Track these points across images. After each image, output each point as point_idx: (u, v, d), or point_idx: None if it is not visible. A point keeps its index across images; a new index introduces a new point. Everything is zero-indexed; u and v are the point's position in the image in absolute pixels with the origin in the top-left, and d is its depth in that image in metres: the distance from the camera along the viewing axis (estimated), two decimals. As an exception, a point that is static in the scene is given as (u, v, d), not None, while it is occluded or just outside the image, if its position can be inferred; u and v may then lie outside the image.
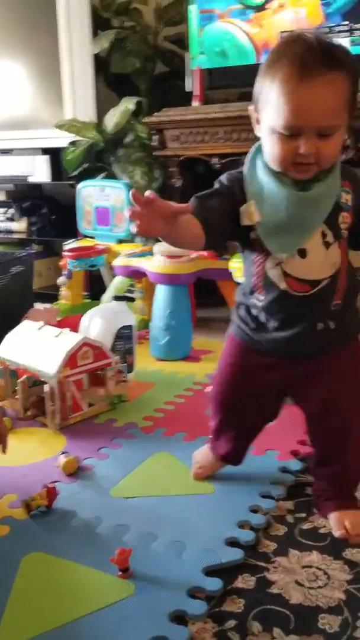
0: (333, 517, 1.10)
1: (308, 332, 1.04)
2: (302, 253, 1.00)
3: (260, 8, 2.22)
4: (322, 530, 1.10)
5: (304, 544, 1.06)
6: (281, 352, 1.08)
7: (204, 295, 2.34)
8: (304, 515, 1.14)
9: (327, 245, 1.00)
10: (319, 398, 1.09)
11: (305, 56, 0.90)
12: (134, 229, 0.93)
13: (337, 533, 1.08)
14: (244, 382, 1.15)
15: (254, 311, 1.08)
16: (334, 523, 1.10)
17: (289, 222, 0.98)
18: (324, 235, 1.00)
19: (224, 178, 1.04)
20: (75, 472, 1.31)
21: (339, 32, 2.06)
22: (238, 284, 1.98)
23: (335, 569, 1.00)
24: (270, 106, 0.94)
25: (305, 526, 1.11)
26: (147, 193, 0.90)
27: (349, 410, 1.09)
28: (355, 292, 1.09)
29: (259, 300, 1.05)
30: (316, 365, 1.08)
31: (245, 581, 0.98)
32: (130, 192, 0.92)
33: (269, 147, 0.96)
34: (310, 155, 0.92)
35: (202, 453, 1.29)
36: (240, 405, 1.18)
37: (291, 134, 0.92)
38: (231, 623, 0.90)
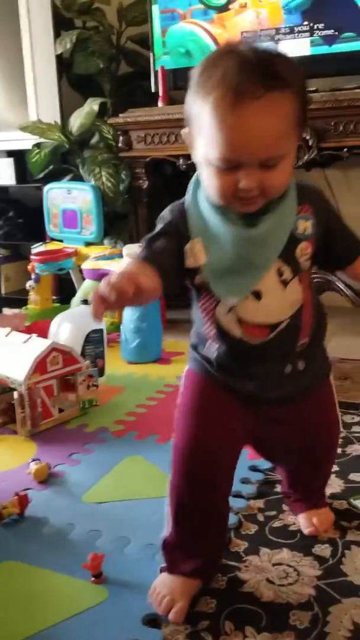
0: (302, 516, 1.12)
1: (275, 378, 0.94)
2: (257, 295, 0.87)
3: (222, 9, 2.23)
4: (292, 528, 1.12)
5: (275, 542, 1.08)
6: (250, 396, 0.95)
7: (173, 297, 2.35)
8: (274, 513, 1.16)
9: (284, 283, 0.88)
10: (290, 446, 1.04)
11: (239, 75, 0.75)
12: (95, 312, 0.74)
13: (306, 531, 1.09)
14: (215, 430, 0.94)
15: (211, 358, 0.94)
16: (303, 522, 1.11)
17: (237, 263, 0.86)
18: (280, 272, 0.87)
19: (166, 213, 0.91)
20: (47, 479, 1.31)
21: (299, 32, 2.09)
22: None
23: (305, 565, 1.02)
24: (203, 133, 0.80)
25: (276, 524, 1.13)
26: (118, 286, 0.72)
27: (321, 460, 1.09)
28: (323, 326, 0.99)
29: (213, 350, 0.93)
30: (287, 412, 0.97)
31: (217, 581, 0.99)
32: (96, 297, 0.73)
33: (206, 180, 0.83)
34: (252, 190, 0.79)
35: (163, 582, 0.96)
36: (212, 472, 0.95)
37: (228, 167, 0.79)
38: (204, 624, 0.91)
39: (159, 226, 0.90)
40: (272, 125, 0.77)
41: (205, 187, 0.85)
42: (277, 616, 0.91)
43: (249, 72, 0.75)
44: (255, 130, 0.76)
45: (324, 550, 1.05)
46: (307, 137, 1.98)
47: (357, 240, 0.96)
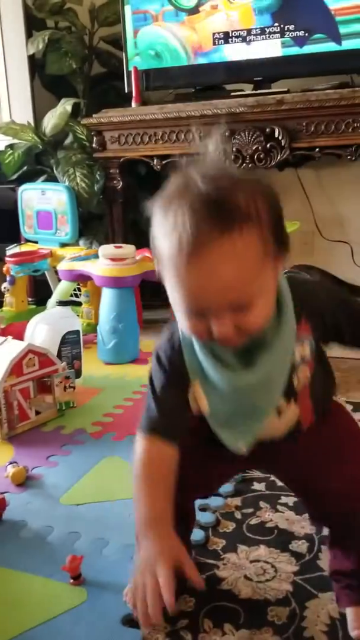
0: (351, 612, 0.90)
1: (264, 449, 0.85)
2: None
3: (193, 11, 2.24)
4: (268, 525, 1.13)
5: (252, 539, 1.09)
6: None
7: (150, 297, 2.36)
8: (251, 510, 1.17)
9: (279, 413, 0.82)
10: (304, 475, 0.88)
11: (192, 219, 0.65)
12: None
13: (353, 633, 0.88)
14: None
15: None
16: (352, 619, 0.89)
17: (239, 409, 0.81)
18: (278, 412, 0.82)
19: (164, 360, 0.82)
20: (24, 481, 1.30)
21: (270, 33, 2.10)
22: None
23: (282, 561, 1.03)
24: (166, 276, 0.72)
25: (253, 521, 1.14)
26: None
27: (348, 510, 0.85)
28: (330, 398, 0.89)
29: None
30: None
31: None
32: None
33: (180, 322, 0.74)
34: (227, 335, 0.70)
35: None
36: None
37: (197, 314, 0.71)
38: (183, 622, 0.91)
39: (159, 376, 0.82)
40: (234, 270, 0.67)
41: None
42: (255, 612, 0.93)
43: (203, 215, 0.65)
44: (215, 279, 0.67)
45: (300, 546, 1.07)
46: (280, 137, 2.01)
47: None
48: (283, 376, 0.79)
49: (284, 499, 1.20)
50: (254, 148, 2.06)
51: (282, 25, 2.08)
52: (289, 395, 0.81)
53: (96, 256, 2.10)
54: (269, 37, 2.11)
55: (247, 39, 2.15)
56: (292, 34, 2.08)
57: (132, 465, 0.82)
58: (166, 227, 0.68)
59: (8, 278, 2.44)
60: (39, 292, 2.62)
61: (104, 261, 2.02)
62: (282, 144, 2.01)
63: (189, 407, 0.82)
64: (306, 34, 2.06)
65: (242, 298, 0.69)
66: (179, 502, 0.82)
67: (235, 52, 2.20)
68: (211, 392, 0.80)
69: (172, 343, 0.80)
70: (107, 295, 2.01)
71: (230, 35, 2.18)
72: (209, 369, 0.78)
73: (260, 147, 2.05)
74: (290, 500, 1.19)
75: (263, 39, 2.12)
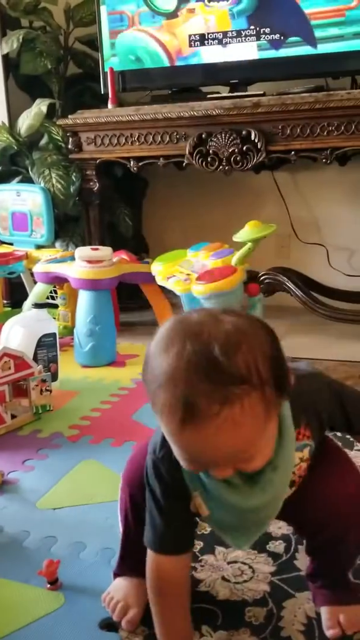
0: (325, 611, 0.90)
1: None
2: None
3: (171, 15, 2.24)
4: (246, 526, 1.13)
5: (230, 540, 1.10)
6: None
7: (127, 299, 2.35)
8: (229, 512, 1.18)
9: None
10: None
11: (188, 387, 0.62)
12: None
13: (328, 632, 0.88)
14: None
15: None
16: (325, 618, 0.90)
17: (239, 522, 0.80)
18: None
19: (163, 472, 0.79)
20: (0, 486, 1.29)
21: (247, 36, 2.12)
22: (161, 287, 2.01)
23: (260, 562, 1.04)
24: (160, 424, 0.68)
25: (231, 523, 1.14)
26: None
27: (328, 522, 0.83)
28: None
29: None
30: None
31: (174, 582, 1.00)
32: None
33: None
34: (228, 476, 0.70)
35: (116, 586, 0.95)
36: None
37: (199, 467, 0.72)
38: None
39: (159, 488, 0.80)
40: (236, 439, 0.64)
41: None
42: (233, 613, 0.93)
43: (201, 384, 0.62)
44: (213, 448, 0.65)
45: (277, 546, 1.07)
46: (256, 140, 2.02)
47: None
48: (285, 490, 0.79)
49: (261, 500, 1.20)
50: (230, 150, 2.07)
51: (258, 29, 2.10)
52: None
53: (72, 258, 2.09)
54: (245, 40, 2.13)
55: (224, 42, 2.16)
56: (268, 37, 2.09)
57: (147, 581, 0.83)
58: (158, 380, 0.64)
59: (-17, 280, 2.42)
60: (15, 295, 2.60)
61: (81, 263, 2.01)
62: (259, 146, 2.02)
63: (193, 514, 0.81)
64: (282, 37, 2.08)
65: (244, 456, 0.68)
66: None
67: (211, 55, 2.20)
68: (211, 504, 0.78)
69: (171, 454, 0.73)
70: (84, 298, 2.00)
71: (207, 37, 2.19)
72: (209, 484, 0.76)
73: (236, 150, 2.06)
74: (268, 501, 1.20)
75: (239, 42, 2.14)
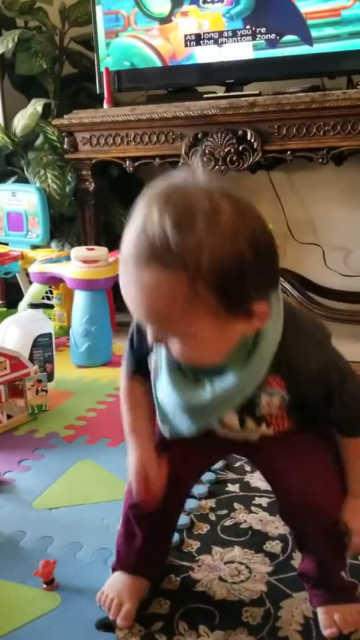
0: (321, 611, 0.90)
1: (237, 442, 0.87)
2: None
3: (165, 20, 2.23)
4: (243, 526, 1.13)
5: (226, 540, 1.09)
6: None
7: (122, 299, 2.34)
8: (225, 512, 1.17)
9: (249, 430, 0.83)
10: (271, 466, 0.89)
11: (135, 240, 0.65)
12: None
13: (325, 632, 0.88)
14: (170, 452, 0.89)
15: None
16: (323, 619, 0.90)
17: (177, 412, 0.81)
18: (240, 420, 0.81)
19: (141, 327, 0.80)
20: (-4, 486, 1.28)
21: (242, 36, 2.11)
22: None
23: (257, 562, 1.03)
24: None
25: (227, 522, 1.14)
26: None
27: (310, 482, 0.83)
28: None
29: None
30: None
31: (171, 582, 1.00)
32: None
33: None
34: (174, 352, 0.71)
35: (111, 584, 0.96)
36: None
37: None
38: (158, 625, 0.91)
39: (136, 337, 0.87)
40: (146, 300, 0.66)
41: None
42: (230, 613, 0.93)
43: (141, 240, 0.64)
44: (133, 294, 0.67)
45: (274, 546, 1.07)
46: (252, 140, 2.02)
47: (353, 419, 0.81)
48: (234, 404, 0.78)
49: (257, 500, 1.20)
50: (226, 150, 2.06)
51: (253, 28, 2.09)
52: (258, 421, 0.81)
53: (68, 258, 2.08)
54: (240, 39, 2.12)
55: (219, 41, 2.16)
56: (264, 37, 2.09)
57: (120, 398, 0.94)
58: (130, 226, 0.67)
59: (-22, 280, 2.41)
60: (10, 295, 2.59)
61: (76, 263, 2.00)
62: (254, 146, 2.02)
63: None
64: (278, 37, 2.07)
65: (161, 326, 0.69)
66: (167, 498, 0.87)
67: (207, 54, 2.20)
68: (162, 380, 0.80)
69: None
70: (80, 298, 2.00)
71: (202, 37, 2.18)
72: (168, 359, 0.78)
73: (232, 150, 2.06)
74: (264, 501, 1.20)
75: (235, 42, 2.13)
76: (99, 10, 2.34)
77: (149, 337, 0.72)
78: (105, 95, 2.30)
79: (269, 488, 1.20)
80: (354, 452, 0.83)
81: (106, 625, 0.91)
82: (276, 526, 1.12)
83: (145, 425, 0.89)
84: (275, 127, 2.00)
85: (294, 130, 1.98)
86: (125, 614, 0.91)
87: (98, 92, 2.38)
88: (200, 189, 0.65)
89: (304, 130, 1.96)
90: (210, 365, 0.74)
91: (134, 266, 0.65)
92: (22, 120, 2.44)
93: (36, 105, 2.41)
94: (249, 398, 0.77)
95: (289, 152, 2.02)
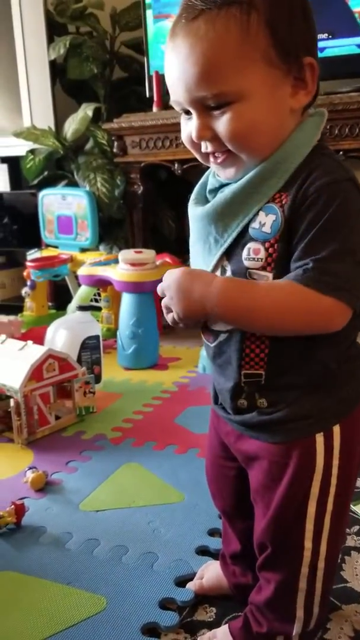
0: (222, 630, 0.86)
1: (231, 405, 0.76)
2: None
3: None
4: (291, 534, 1.11)
5: (274, 548, 1.07)
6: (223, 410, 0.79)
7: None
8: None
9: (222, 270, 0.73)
10: (252, 490, 0.78)
11: (181, 4, 0.64)
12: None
13: None
14: (214, 450, 0.87)
15: None
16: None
17: (196, 240, 0.75)
18: (223, 270, 0.71)
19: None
20: (44, 487, 1.30)
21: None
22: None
23: (305, 572, 1.01)
24: None
25: (275, 530, 1.12)
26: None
27: (268, 530, 0.75)
28: (314, 370, 0.70)
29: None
30: (254, 448, 0.75)
31: (217, 590, 0.98)
32: None
33: None
34: (202, 138, 0.67)
35: (211, 568, 0.99)
36: (217, 486, 0.90)
37: (183, 111, 0.69)
38: (204, 632, 0.90)
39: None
40: (198, 53, 0.62)
41: None
42: (278, 624, 0.90)
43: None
44: (181, 61, 0.63)
45: (323, 556, 1.04)
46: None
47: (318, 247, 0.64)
48: (232, 224, 0.69)
49: (306, 508, 1.18)
50: (275, 152, 2.04)
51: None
52: (238, 270, 0.69)
53: (116, 261, 2.10)
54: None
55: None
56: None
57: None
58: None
59: (28, 283, 2.45)
60: (59, 297, 2.63)
61: (124, 266, 2.01)
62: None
63: None
64: (329, 37, 2.04)
65: (208, 90, 0.63)
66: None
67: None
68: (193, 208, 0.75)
69: None
70: (127, 301, 2.00)
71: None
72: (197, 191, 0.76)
73: (282, 151, 2.03)
74: (313, 509, 1.17)
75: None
76: (149, 14, 2.35)
77: (194, 132, 0.67)
78: (155, 98, 2.31)
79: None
80: (282, 285, 0.65)
81: (151, 630, 0.90)
82: (325, 536, 1.09)
83: None
84: (328, 127, 1.96)
85: (347, 130, 1.94)
86: (199, 585, 0.96)
87: (148, 96, 2.39)
88: None
89: (357, 130, 1.92)
90: (256, 155, 0.67)
91: (185, 24, 0.63)
92: (72, 125, 2.48)
93: (87, 110, 2.44)
94: (246, 222, 0.67)
95: (341, 153, 1.97)
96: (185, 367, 1.97)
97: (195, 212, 0.73)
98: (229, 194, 0.69)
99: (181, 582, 0.99)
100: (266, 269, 0.67)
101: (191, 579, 1.00)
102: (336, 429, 0.71)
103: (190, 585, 0.98)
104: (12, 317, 2.19)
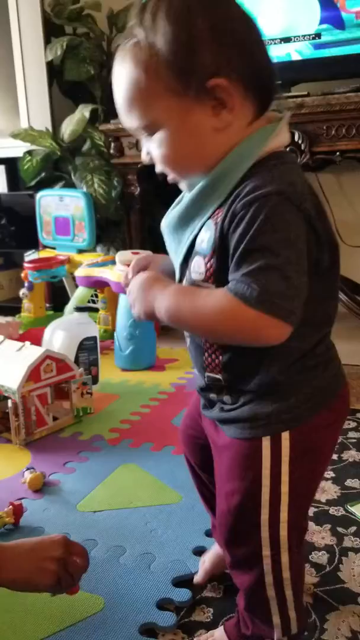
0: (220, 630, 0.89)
1: (201, 380, 0.80)
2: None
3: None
4: (288, 534, 1.11)
5: (271, 549, 1.07)
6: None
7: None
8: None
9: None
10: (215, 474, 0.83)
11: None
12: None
13: None
14: (188, 420, 0.92)
15: None
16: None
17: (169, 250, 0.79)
18: (180, 276, 0.76)
19: None
20: (42, 487, 1.30)
21: (290, 37, 2.09)
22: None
23: (302, 572, 1.01)
24: None
25: (272, 531, 1.12)
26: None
27: (222, 507, 0.79)
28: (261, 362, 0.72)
29: None
30: (217, 436, 0.80)
31: (214, 590, 0.98)
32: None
33: None
34: (145, 159, 0.74)
35: (209, 552, 1.03)
36: (188, 448, 0.95)
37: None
38: (201, 633, 0.90)
39: None
40: (117, 91, 0.69)
41: None
42: (275, 624, 0.91)
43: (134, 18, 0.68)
44: (113, 88, 0.70)
45: (321, 557, 1.05)
46: (300, 141, 1.99)
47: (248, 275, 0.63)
48: (187, 233, 0.73)
49: (303, 508, 1.18)
50: (272, 153, 2.04)
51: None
52: (189, 280, 0.73)
53: (113, 262, 2.10)
54: (288, 40, 2.10)
55: (267, 42, 2.14)
56: (312, 37, 2.06)
57: None
58: None
59: (26, 284, 2.45)
60: (57, 298, 2.63)
61: (121, 267, 2.01)
62: (302, 147, 1.99)
63: None
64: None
65: (133, 116, 0.69)
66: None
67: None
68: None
69: None
70: (124, 302, 2.00)
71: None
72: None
73: (279, 152, 2.03)
74: (311, 510, 1.17)
75: (283, 42, 2.11)
76: (146, 15, 2.35)
77: (142, 154, 0.73)
78: (152, 99, 2.31)
79: (315, 497, 1.19)
80: (217, 293, 0.67)
81: (149, 631, 0.90)
82: (322, 536, 1.10)
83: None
84: (324, 128, 1.96)
85: (344, 130, 1.94)
86: (203, 573, 0.99)
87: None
88: None
89: (354, 130, 1.92)
90: (193, 173, 0.71)
91: (114, 67, 0.69)
92: (69, 126, 2.48)
93: (84, 111, 2.44)
94: (193, 237, 0.72)
95: (337, 153, 1.98)
96: (183, 369, 1.97)
97: (163, 223, 0.78)
98: (180, 208, 0.74)
99: (178, 583, 0.99)
100: (208, 281, 0.70)
101: (188, 580, 1.00)
102: (285, 435, 0.73)
103: (197, 579, 1.00)
104: (9, 318, 2.19)
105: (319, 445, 0.76)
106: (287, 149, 0.73)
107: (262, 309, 0.62)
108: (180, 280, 0.76)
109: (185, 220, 0.73)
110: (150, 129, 0.69)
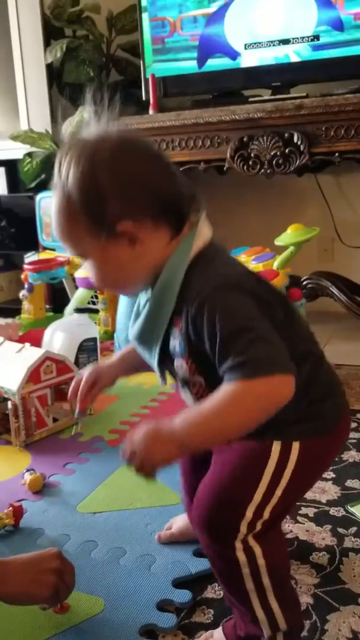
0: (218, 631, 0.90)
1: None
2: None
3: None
4: (289, 536, 1.11)
5: (272, 549, 1.07)
6: None
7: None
8: (271, 520, 1.15)
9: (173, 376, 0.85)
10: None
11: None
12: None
13: None
14: None
15: None
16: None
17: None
18: (161, 373, 0.84)
19: None
20: (42, 489, 1.30)
21: (289, 39, 2.09)
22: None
23: (303, 573, 1.01)
24: None
25: (273, 532, 1.12)
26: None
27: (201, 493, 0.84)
28: None
29: None
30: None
31: (215, 591, 0.98)
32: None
33: None
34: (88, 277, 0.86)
35: (179, 518, 1.11)
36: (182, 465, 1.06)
37: None
38: (201, 634, 0.90)
39: None
40: (53, 219, 0.79)
41: None
42: (275, 625, 0.90)
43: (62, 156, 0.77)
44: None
45: (321, 558, 1.04)
46: (299, 143, 1.99)
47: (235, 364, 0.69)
48: (153, 344, 0.80)
49: (304, 510, 1.18)
50: (272, 153, 2.04)
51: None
52: (177, 378, 0.83)
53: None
54: (287, 42, 2.10)
55: (266, 45, 2.14)
56: (310, 38, 2.06)
57: None
58: None
59: (26, 285, 2.45)
60: (57, 300, 2.63)
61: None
62: (301, 149, 1.99)
63: None
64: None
65: (66, 246, 0.80)
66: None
67: (253, 58, 2.19)
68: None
69: None
70: (124, 303, 2.00)
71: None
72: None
73: (278, 153, 2.03)
74: (311, 511, 1.17)
75: (281, 44, 2.11)
76: (145, 17, 2.35)
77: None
78: (151, 101, 2.32)
79: (316, 498, 1.19)
80: (219, 394, 0.71)
81: (149, 632, 0.90)
82: (323, 537, 1.09)
83: (129, 353, 0.98)
84: (323, 129, 1.96)
85: (342, 131, 1.94)
86: (169, 534, 1.08)
87: (144, 99, 2.39)
88: (96, 135, 0.77)
89: (353, 131, 1.92)
90: (126, 291, 0.87)
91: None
92: (69, 128, 2.46)
93: (83, 113, 2.44)
94: (161, 345, 0.79)
95: (337, 154, 1.98)
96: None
97: (130, 336, 0.85)
98: (140, 325, 0.82)
99: (179, 584, 0.99)
100: (195, 375, 0.78)
101: (189, 581, 1.00)
102: (296, 445, 0.78)
103: (162, 537, 1.08)
104: (9, 320, 2.19)
105: (322, 460, 0.84)
106: (210, 241, 0.79)
107: (263, 375, 0.68)
108: (163, 375, 0.83)
109: (148, 333, 0.80)
110: (82, 257, 0.79)
